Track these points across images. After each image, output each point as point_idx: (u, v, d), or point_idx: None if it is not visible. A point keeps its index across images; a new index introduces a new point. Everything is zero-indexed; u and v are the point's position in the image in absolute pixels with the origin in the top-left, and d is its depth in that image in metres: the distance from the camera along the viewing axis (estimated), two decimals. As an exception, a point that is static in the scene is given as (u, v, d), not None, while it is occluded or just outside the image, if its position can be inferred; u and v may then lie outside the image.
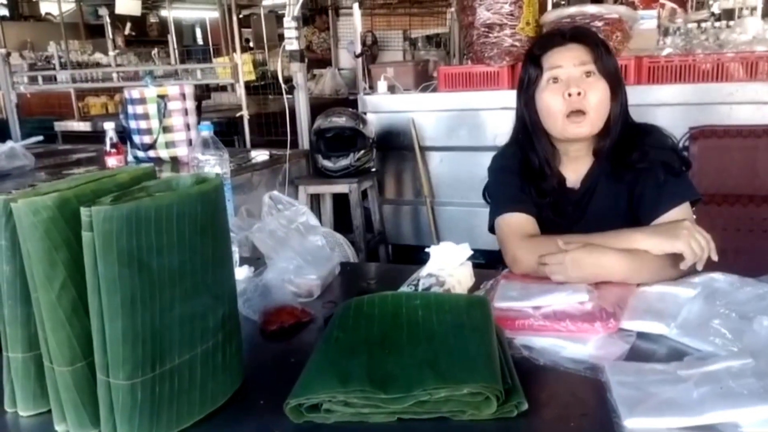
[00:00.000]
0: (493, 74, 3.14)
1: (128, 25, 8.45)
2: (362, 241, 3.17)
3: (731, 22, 3.38)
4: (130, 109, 2.75)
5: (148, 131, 2.75)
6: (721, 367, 0.80)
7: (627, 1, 3.72)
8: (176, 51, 5.56)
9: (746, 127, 1.89)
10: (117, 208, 0.67)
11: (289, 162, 3.07)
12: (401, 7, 6.28)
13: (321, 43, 6.68)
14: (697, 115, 2.63)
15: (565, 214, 1.34)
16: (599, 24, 2.78)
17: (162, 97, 2.72)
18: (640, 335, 0.96)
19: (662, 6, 3.43)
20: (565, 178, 1.36)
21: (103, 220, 0.66)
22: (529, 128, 1.34)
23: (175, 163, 2.79)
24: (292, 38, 3.18)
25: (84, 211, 0.67)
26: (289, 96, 3.33)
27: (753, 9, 3.65)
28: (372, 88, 3.57)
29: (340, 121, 3.10)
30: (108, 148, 2.23)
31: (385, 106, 3.43)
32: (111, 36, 5.82)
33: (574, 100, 1.25)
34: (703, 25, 3.40)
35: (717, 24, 3.44)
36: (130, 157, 2.70)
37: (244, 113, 3.40)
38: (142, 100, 2.72)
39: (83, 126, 4.91)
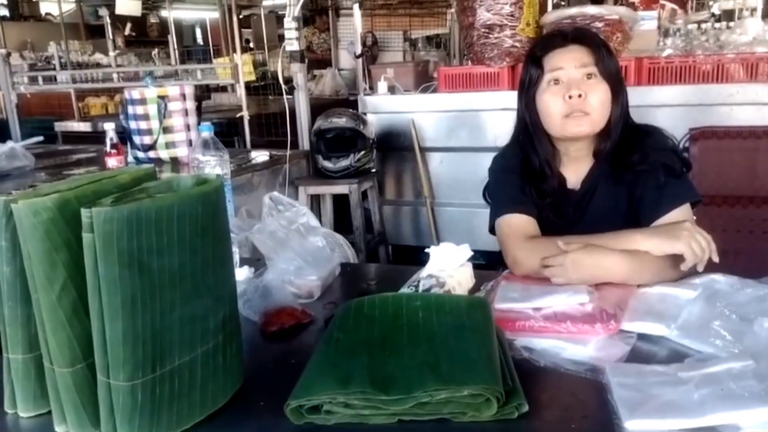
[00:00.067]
0: (494, 75, 3.14)
1: (128, 25, 8.45)
2: (362, 241, 3.17)
3: (731, 23, 3.39)
4: (131, 109, 2.75)
5: (149, 132, 2.75)
6: (721, 369, 0.80)
7: (627, 2, 3.73)
8: (176, 51, 5.56)
9: (746, 128, 1.90)
10: (117, 209, 0.67)
11: (289, 163, 3.07)
12: (401, 7, 6.28)
13: (321, 44, 6.68)
14: (698, 116, 2.64)
15: (566, 214, 1.34)
16: (599, 25, 2.78)
17: (162, 97, 2.72)
18: (641, 337, 0.96)
19: (662, 7, 3.43)
20: (565, 179, 1.36)
21: (103, 221, 0.66)
22: (529, 129, 1.34)
23: (176, 163, 2.79)
24: (293, 39, 3.18)
25: (84, 212, 0.67)
26: (289, 96, 3.33)
27: (753, 10, 3.65)
28: (372, 89, 3.57)
29: (341, 121, 3.10)
30: (108, 148, 2.23)
31: (385, 106, 3.43)
32: (111, 36, 5.82)
33: (574, 102, 1.25)
34: (704, 26, 3.41)
35: (717, 25, 3.44)
36: (130, 158, 2.70)
37: (245, 114, 3.40)
38: (143, 101, 2.72)
39: (83, 126, 4.91)
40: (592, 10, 2.89)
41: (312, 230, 1.33)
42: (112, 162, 2.23)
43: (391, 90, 3.51)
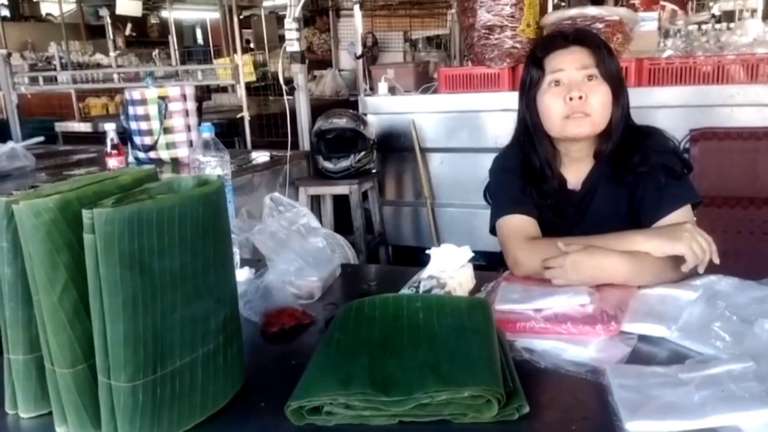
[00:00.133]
0: (494, 76, 3.14)
1: (129, 25, 8.45)
2: (362, 242, 3.17)
3: (732, 24, 3.38)
4: (131, 110, 2.75)
5: (149, 132, 2.75)
6: (722, 371, 0.80)
7: (628, 3, 3.73)
8: (177, 52, 5.55)
9: (747, 129, 1.90)
10: (119, 210, 0.67)
11: (289, 163, 3.07)
12: (402, 8, 6.28)
13: (322, 44, 6.68)
14: (698, 117, 2.64)
15: (566, 215, 1.34)
16: (600, 26, 2.78)
17: (163, 98, 2.72)
18: (641, 338, 0.96)
19: (663, 8, 3.43)
20: (566, 180, 1.36)
21: (104, 222, 0.66)
22: (530, 129, 1.34)
23: (176, 164, 2.79)
24: (293, 39, 3.19)
25: (86, 213, 0.67)
26: (290, 97, 3.34)
27: (753, 11, 3.65)
28: (372, 90, 3.57)
29: (341, 122, 3.10)
30: (109, 149, 2.23)
31: (385, 107, 3.43)
32: (112, 37, 5.82)
33: (575, 104, 1.25)
34: (704, 27, 3.40)
35: (717, 26, 3.44)
36: (130, 158, 2.70)
37: (245, 114, 3.41)
38: (143, 101, 2.72)
39: (84, 127, 4.91)
40: (592, 11, 2.89)
41: (312, 231, 1.33)
42: (112, 162, 2.23)
43: (392, 91, 3.51)
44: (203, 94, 5.48)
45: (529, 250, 1.21)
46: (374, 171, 3.32)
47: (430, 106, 3.33)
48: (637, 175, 1.28)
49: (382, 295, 0.99)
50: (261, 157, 3.11)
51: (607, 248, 1.12)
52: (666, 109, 2.78)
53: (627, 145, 1.30)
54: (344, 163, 3.08)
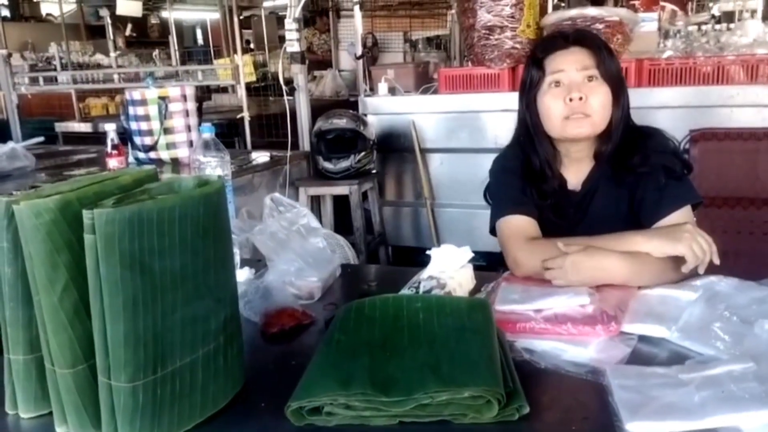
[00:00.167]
0: (494, 76, 3.14)
1: (129, 26, 8.46)
2: (362, 242, 3.17)
3: (732, 25, 3.39)
4: (131, 110, 2.75)
5: (149, 133, 2.75)
6: (722, 371, 0.80)
7: (628, 3, 3.73)
8: (177, 52, 5.56)
9: (747, 129, 1.89)
10: (119, 210, 0.67)
11: (289, 163, 3.07)
12: (402, 8, 6.28)
13: (322, 45, 6.68)
14: (698, 118, 2.64)
15: (566, 216, 1.34)
16: (600, 26, 2.79)
17: (163, 98, 2.72)
18: (642, 338, 0.96)
19: (663, 8, 3.43)
20: (566, 181, 1.36)
21: (105, 222, 0.66)
22: (530, 130, 1.34)
23: (176, 164, 2.79)
24: (293, 40, 3.19)
25: (86, 214, 0.67)
26: (290, 97, 3.34)
27: (753, 12, 3.65)
28: (372, 90, 3.57)
29: (341, 122, 3.10)
30: (109, 149, 2.22)
31: (385, 107, 3.43)
32: (112, 37, 5.82)
33: (575, 105, 1.25)
34: (704, 27, 3.41)
35: (717, 27, 3.44)
36: (131, 159, 2.70)
37: (245, 115, 3.41)
38: (143, 102, 2.72)
39: (84, 127, 4.91)
40: (592, 11, 2.89)
41: (313, 231, 1.33)
42: (113, 163, 2.23)
43: (392, 91, 3.51)
44: (203, 94, 5.48)
45: (529, 250, 1.21)
46: (374, 171, 3.32)
47: (430, 106, 3.33)
48: (638, 176, 1.28)
49: (383, 296, 0.99)
50: (261, 157, 3.11)
51: (607, 249, 1.12)
52: (666, 109, 2.78)
53: (627, 146, 1.30)
54: (344, 164, 3.09)
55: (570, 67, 1.27)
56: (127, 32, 8.49)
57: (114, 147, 2.22)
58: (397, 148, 3.41)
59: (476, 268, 1.20)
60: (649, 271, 1.11)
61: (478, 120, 3.18)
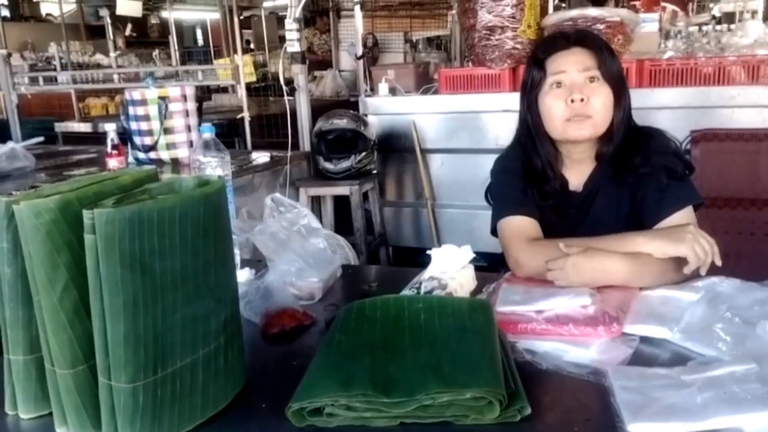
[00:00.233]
0: (495, 77, 3.14)
1: (129, 26, 8.45)
2: (363, 243, 3.17)
3: (732, 26, 3.39)
4: (131, 110, 2.75)
5: (149, 133, 2.75)
6: (724, 372, 0.79)
7: (629, 4, 3.73)
8: (177, 52, 5.56)
9: (748, 130, 1.89)
10: (119, 210, 0.67)
11: (290, 164, 3.07)
12: (402, 9, 6.28)
13: (322, 45, 6.68)
14: (699, 119, 2.64)
15: (568, 216, 1.34)
16: (601, 27, 2.78)
17: (163, 98, 2.71)
18: (643, 339, 0.96)
19: (663, 9, 3.43)
20: (567, 181, 1.36)
21: (105, 222, 0.66)
22: (531, 131, 1.34)
23: (176, 164, 2.78)
24: (294, 40, 3.18)
25: (86, 214, 0.66)
26: (290, 98, 3.34)
27: (754, 12, 3.65)
28: (373, 90, 3.57)
29: (341, 123, 3.10)
30: (109, 149, 2.22)
31: (386, 108, 3.43)
32: (112, 37, 5.82)
33: (576, 106, 1.25)
34: (705, 28, 3.41)
35: (718, 27, 3.45)
36: (130, 159, 2.70)
37: (245, 115, 3.40)
38: (143, 102, 2.72)
39: (84, 127, 4.90)
40: (593, 12, 2.89)
41: (313, 232, 1.32)
42: (113, 163, 2.22)
43: (392, 91, 3.51)
44: (203, 94, 5.48)
45: (531, 251, 1.21)
46: (375, 172, 3.32)
47: (431, 106, 3.33)
48: (639, 176, 1.28)
49: (383, 296, 0.99)
50: (261, 157, 3.11)
51: (608, 250, 1.12)
52: (667, 110, 2.78)
53: (628, 147, 1.29)
54: (345, 164, 3.08)
55: (571, 68, 1.27)
56: (127, 32, 8.49)
57: (114, 147, 2.22)
58: (397, 149, 3.41)
59: (477, 269, 1.19)
60: (650, 272, 1.11)
61: (479, 120, 3.18)
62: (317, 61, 6.15)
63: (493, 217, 1.36)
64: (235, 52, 3.51)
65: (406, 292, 1.11)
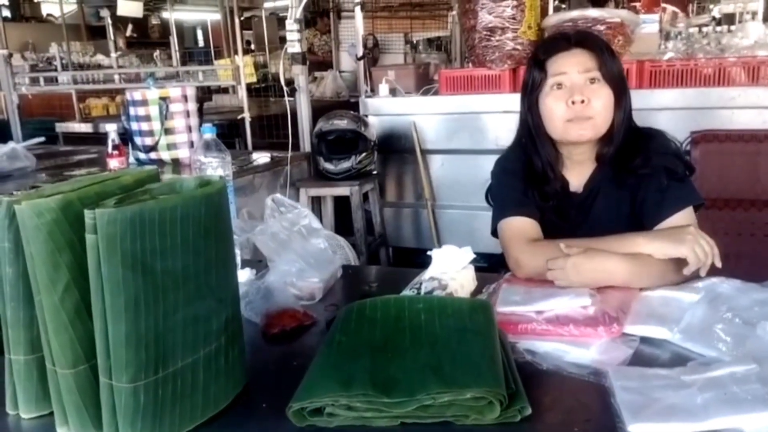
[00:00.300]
0: (495, 78, 3.14)
1: (130, 26, 8.47)
2: (363, 243, 3.17)
3: (732, 27, 3.39)
4: (132, 110, 2.75)
5: (150, 133, 2.75)
6: (725, 373, 0.79)
7: (629, 5, 3.73)
8: (178, 53, 5.57)
9: (748, 131, 1.89)
10: (121, 210, 0.67)
11: (290, 164, 3.07)
12: (403, 10, 6.28)
13: (322, 46, 6.68)
14: (699, 120, 2.64)
15: (568, 217, 1.34)
16: (601, 28, 2.79)
17: (164, 98, 2.71)
18: (644, 340, 0.96)
19: (664, 10, 3.44)
20: (568, 182, 1.36)
21: (107, 222, 0.66)
22: (532, 132, 1.34)
23: (177, 165, 2.79)
24: (294, 41, 3.18)
25: (88, 214, 0.67)
26: (291, 98, 3.34)
27: (754, 13, 3.66)
28: (373, 91, 3.58)
29: (342, 123, 3.10)
30: (110, 149, 2.22)
31: (386, 108, 3.43)
32: (112, 37, 5.82)
33: (577, 108, 1.25)
34: (705, 29, 3.41)
35: (718, 28, 3.45)
36: (131, 159, 2.70)
37: (246, 115, 3.41)
38: (144, 102, 2.72)
39: (84, 127, 4.91)
40: (593, 13, 2.89)
41: (314, 232, 1.33)
42: (113, 163, 2.22)
43: (392, 92, 3.51)
44: (204, 95, 5.48)
45: (531, 252, 1.21)
46: (375, 172, 3.32)
47: (431, 107, 3.33)
48: (639, 177, 1.28)
49: (384, 297, 0.99)
50: (262, 158, 3.11)
51: (608, 250, 1.12)
52: (667, 111, 2.78)
53: (629, 148, 1.29)
54: (345, 165, 3.08)
55: (572, 69, 1.27)
56: (128, 33, 8.50)
57: (115, 147, 2.22)
58: (397, 149, 3.41)
59: (477, 270, 1.19)
60: (650, 273, 1.11)
61: (479, 121, 3.18)
62: (318, 62, 6.15)
63: (493, 218, 1.36)
64: (236, 52, 3.51)
65: (407, 292, 1.11)
